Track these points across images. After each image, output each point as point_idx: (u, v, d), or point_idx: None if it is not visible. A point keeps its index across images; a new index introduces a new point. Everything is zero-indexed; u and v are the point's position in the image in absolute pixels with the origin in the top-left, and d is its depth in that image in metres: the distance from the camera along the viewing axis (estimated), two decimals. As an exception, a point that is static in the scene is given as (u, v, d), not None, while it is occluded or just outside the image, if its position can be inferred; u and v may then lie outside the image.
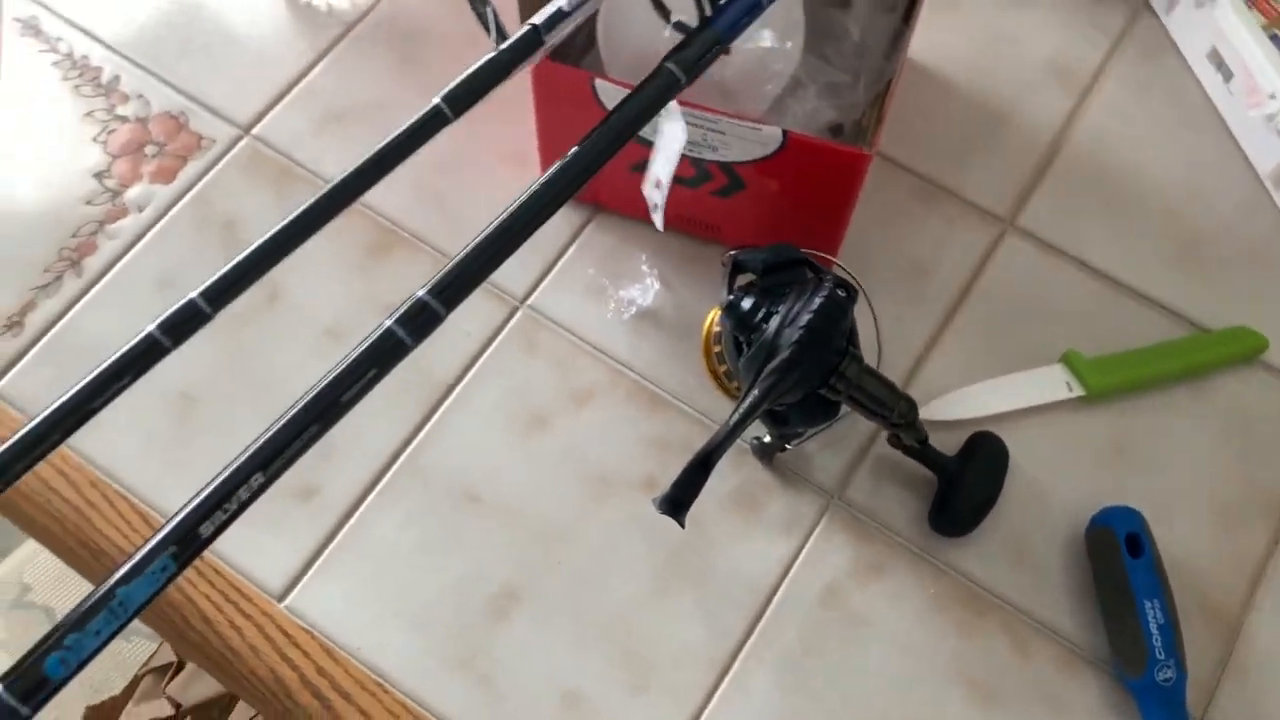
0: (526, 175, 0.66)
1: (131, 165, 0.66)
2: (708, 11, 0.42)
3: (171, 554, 0.31)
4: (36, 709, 0.29)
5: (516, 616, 0.56)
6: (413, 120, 0.43)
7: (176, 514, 0.32)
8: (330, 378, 0.35)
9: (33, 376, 0.60)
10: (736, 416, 0.49)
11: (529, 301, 0.63)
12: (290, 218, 0.40)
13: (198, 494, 0.32)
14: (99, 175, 0.65)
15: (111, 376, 0.38)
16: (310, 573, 0.56)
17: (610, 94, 0.57)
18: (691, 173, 0.60)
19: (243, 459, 0.34)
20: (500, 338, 0.62)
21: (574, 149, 0.39)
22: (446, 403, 0.60)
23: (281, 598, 0.56)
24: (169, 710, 0.71)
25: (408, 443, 0.59)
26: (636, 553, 0.57)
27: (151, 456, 0.59)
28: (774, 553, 0.57)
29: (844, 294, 0.48)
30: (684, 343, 0.61)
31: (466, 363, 0.62)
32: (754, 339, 0.49)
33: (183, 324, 0.39)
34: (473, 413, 0.60)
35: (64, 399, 0.36)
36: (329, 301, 0.63)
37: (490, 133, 0.67)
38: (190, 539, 0.32)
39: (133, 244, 0.64)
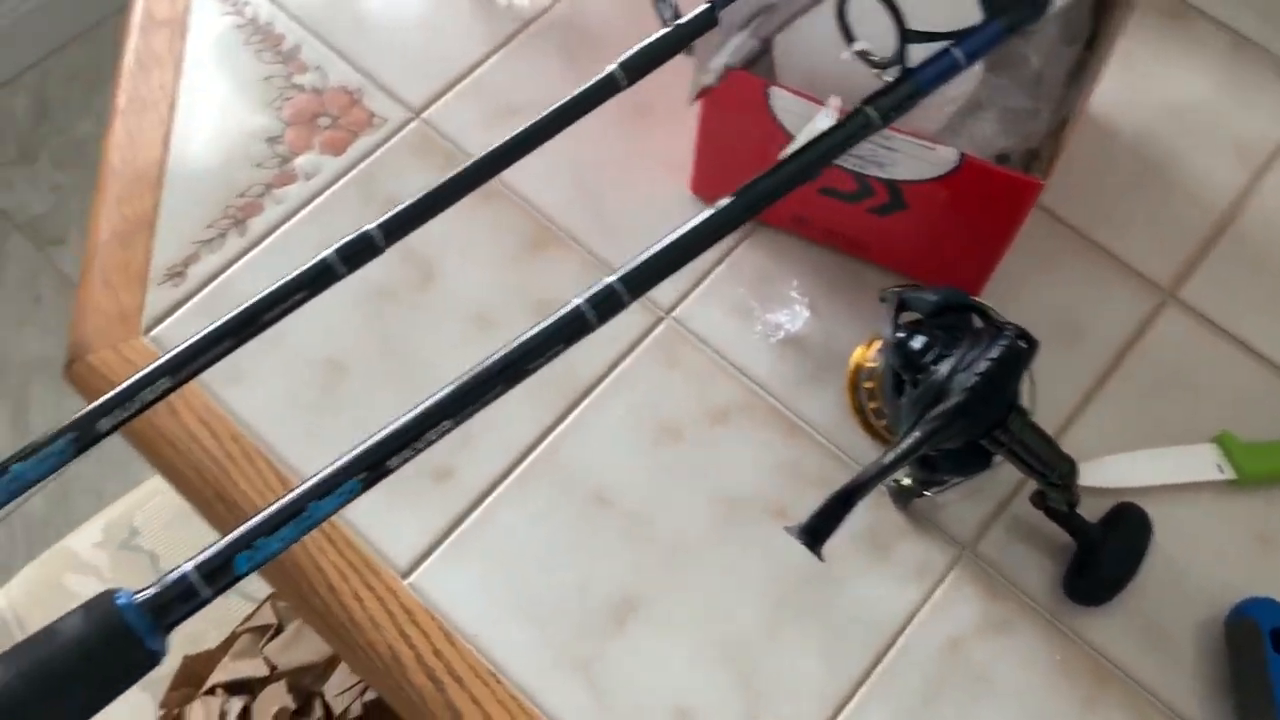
0: (680, 185, 0.66)
1: (303, 134, 0.67)
2: (907, 62, 0.41)
3: (360, 478, 0.33)
4: (216, 593, 0.32)
5: (634, 625, 0.55)
6: (588, 84, 0.43)
7: (367, 441, 0.33)
8: (521, 343, 0.36)
9: (188, 327, 0.62)
10: (892, 456, 0.48)
11: (674, 313, 0.63)
12: (470, 163, 0.41)
13: (390, 427, 0.33)
14: (271, 140, 0.67)
15: (288, 291, 0.38)
16: (436, 553, 0.57)
17: (786, 103, 0.57)
18: (853, 187, 0.59)
19: (435, 403, 0.35)
20: (643, 345, 0.62)
21: (764, 175, 0.39)
22: (584, 403, 0.60)
23: (406, 575, 0.56)
24: (264, 670, 0.72)
25: (543, 437, 0.60)
26: (760, 578, 0.57)
27: (293, 418, 0.60)
28: (901, 597, 0.56)
29: (1025, 345, 0.47)
30: (827, 372, 0.61)
31: (608, 366, 0.62)
32: (921, 380, 0.48)
33: (358, 254, 0.40)
34: (609, 416, 0.60)
35: (245, 306, 0.37)
36: (480, 289, 0.63)
37: (649, 139, 0.67)
38: (378, 467, 0.34)
39: (297, 210, 0.65)
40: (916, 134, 0.54)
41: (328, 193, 0.66)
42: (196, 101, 0.68)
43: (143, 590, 0.32)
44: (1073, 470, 0.51)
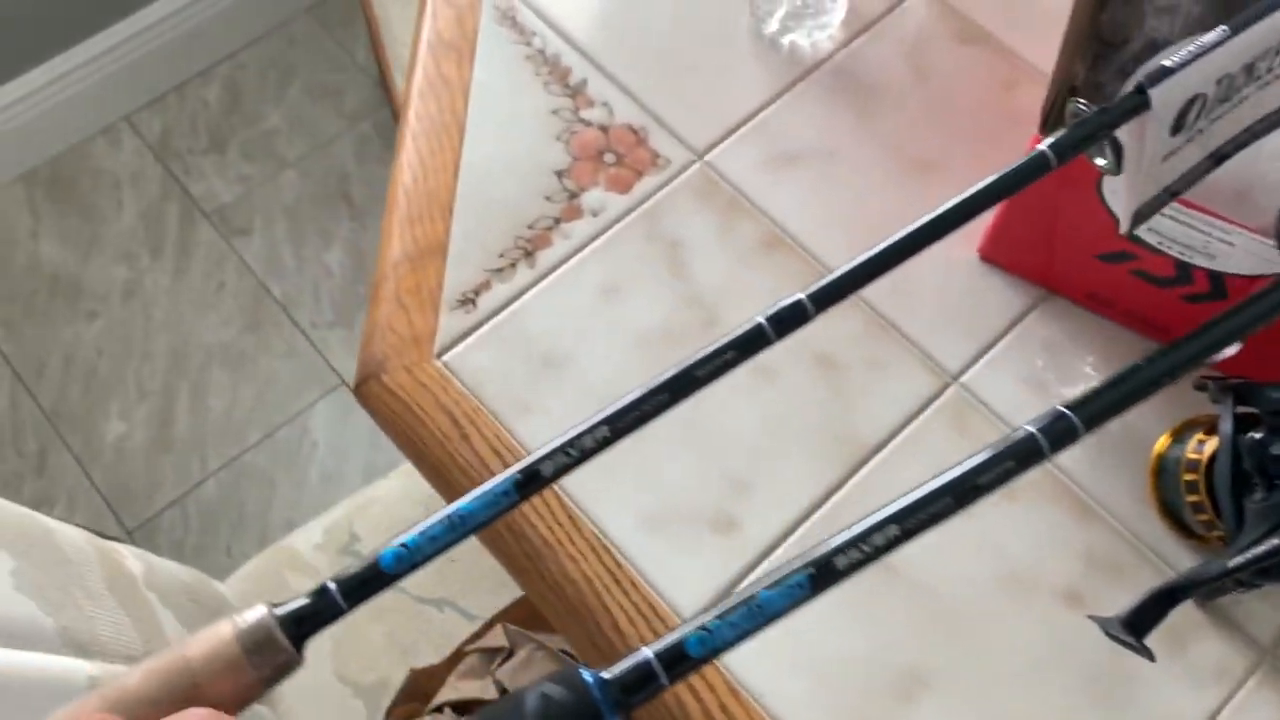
0: (967, 248, 0.65)
1: (590, 170, 0.68)
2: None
3: (809, 574, 0.33)
4: (673, 680, 0.32)
5: (922, 702, 0.54)
6: (1017, 163, 0.42)
7: (820, 546, 0.33)
8: (972, 464, 0.35)
9: (477, 354, 0.62)
10: (1241, 560, 0.46)
11: (962, 379, 0.62)
12: (906, 231, 0.40)
13: (841, 532, 0.34)
14: (559, 174, 0.68)
15: (719, 351, 0.39)
16: (722, 607, 0.56)
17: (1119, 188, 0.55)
18: (1171, 273, 0.57)
19: (886, 513, 0.34)
20: (929, 410, 0.61)
21: (1231, 314, 0.37)
22: (869, 465, 0.60)
23: (692, 626, 0.56)
24: (493, 693, 0.72)
25: (828, 497, 0.59)
26: (1049, 663, 0.55)
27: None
28: (1198, 699, 0.54)
29: None
30: (1124, 457, 0.59)
31: (894, 429, 0.61)
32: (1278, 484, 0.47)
33: (787, 321, 0.40)
34: (895, 481, 0.59)
35: (681, 367, 0.38)
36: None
37: (932, 197, 0.66)
38: (826, 565, 0.34)
39: (583, 246, 0.66)
40: (1262, 231, 0.52)
41: (612, 230, 0.66)
42: (486, 128, 0.69)
43: (604, 670, 0.32)
44: None
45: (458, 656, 0.76)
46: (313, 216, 1.57)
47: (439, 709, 0.73)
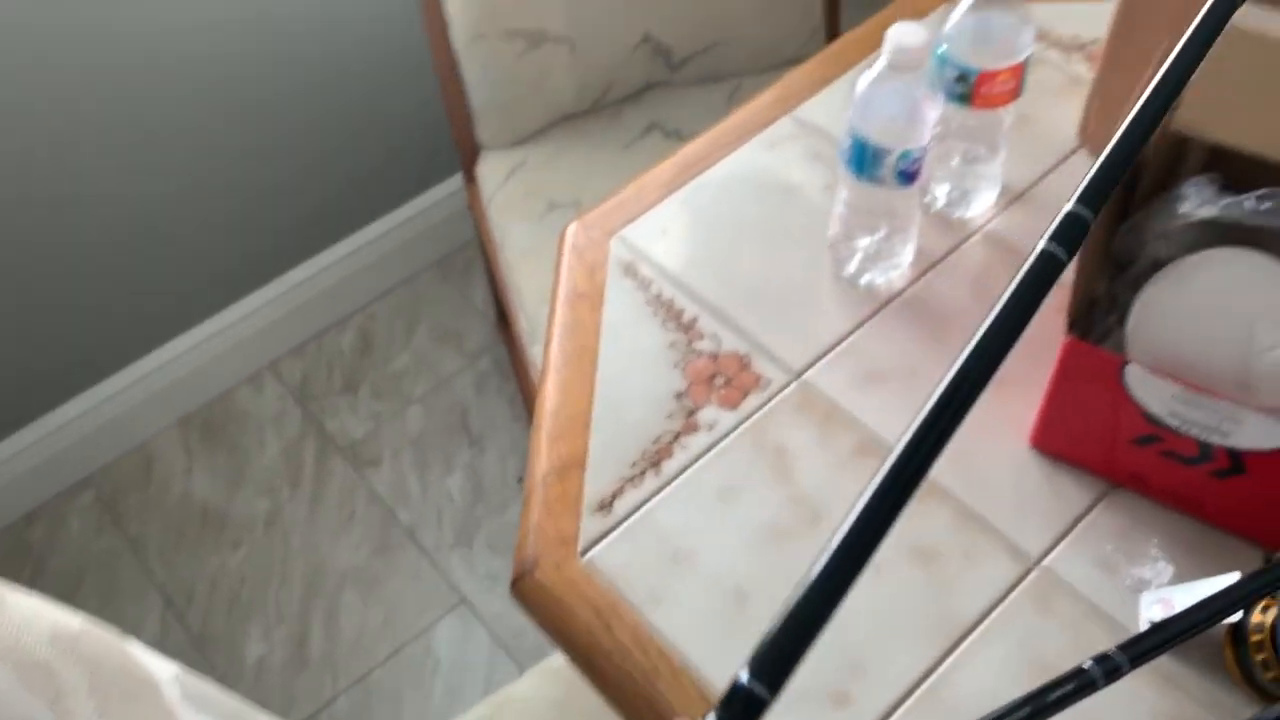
0: (1019, 438, 0.74)
1: (703, 391, 0.80)
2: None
3: None
4: None
5: None
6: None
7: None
8: (1043, 685, 0.43)
9: (615, 551, 0.73)
10: (1302, 708, 0.52)
11: (1044, 562, 0.70)
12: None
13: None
14: (678, 395, 0.80)
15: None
16: (841, 772, 0.63)
17: (1142, 382, 0.65)
18: (1194, 452, 0.66)
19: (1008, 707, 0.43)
20: (1016, 592, 0.69)
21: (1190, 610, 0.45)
22: (965, 643, 0.67)
23: (816, 789, 0.63)
24: None
25: (930, 673, 0.66)
26: (1148, 821, 0.60)
27: (708, 637, 0.68)
28: None
29: None
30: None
31: (985, 609, 0.68)
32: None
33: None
34: (989, 657, 0.67)
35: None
36: (861, 532, 0.72)
37: (999, 396, 0.76)
38: None
39: (700, 455, 0.76)
40: (1268, 410, 0.61)
41: (725, 441, 0.77)
42: (616, 361, 0.82)
43: None
44: None
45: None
46: (436, 446, 1.72)
47: None
